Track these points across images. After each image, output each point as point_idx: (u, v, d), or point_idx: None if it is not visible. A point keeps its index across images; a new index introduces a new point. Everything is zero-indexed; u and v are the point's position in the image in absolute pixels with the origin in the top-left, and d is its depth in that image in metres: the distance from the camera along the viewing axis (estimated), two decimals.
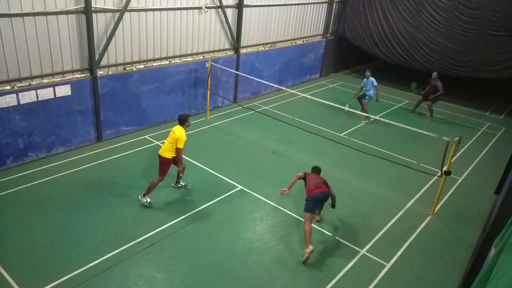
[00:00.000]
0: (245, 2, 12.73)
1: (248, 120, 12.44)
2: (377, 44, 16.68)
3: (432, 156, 10.67)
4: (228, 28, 12.66)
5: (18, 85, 8.49)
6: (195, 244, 6.91)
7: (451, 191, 9.33)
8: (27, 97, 8.55)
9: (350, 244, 7.22)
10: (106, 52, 9.76)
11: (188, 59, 11.85)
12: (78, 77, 9.40)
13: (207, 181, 8.87)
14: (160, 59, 11.11)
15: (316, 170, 7.48)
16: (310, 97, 11.32)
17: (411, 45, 15.76)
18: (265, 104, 13.92)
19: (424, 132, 8.27)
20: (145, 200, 7.68)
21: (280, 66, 15.39)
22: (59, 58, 9.01)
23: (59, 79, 9.14)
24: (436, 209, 8.39)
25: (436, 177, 9.44)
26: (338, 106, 9.83)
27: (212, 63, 11.71)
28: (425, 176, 9.31)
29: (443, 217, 8.34)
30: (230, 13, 12.62)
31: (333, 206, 7.31)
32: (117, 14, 9.64)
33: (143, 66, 10.70)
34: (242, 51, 13.48)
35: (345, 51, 18.65)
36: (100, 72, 9.75)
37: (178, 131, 7.38)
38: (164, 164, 7.54)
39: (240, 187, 8.71)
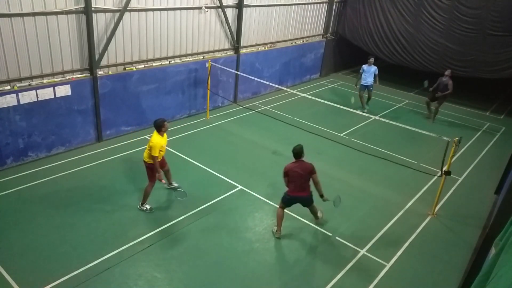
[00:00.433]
0: (245, 2, 12.72)
1: (248, 120, 12.44)
2: (377, 44, 16.68)
3: (432, 156, 10.67)
4: (228, 28, 12.66)
5: (18, 85, 8.49)
6: (195, 244, 6.91)
7: (451, 191, 9.33)
8: (27, 97, 8.55)
9: (350, 244, 7.22)
10: (106, 52, 9.76)
11: (188, 59, 11.85)
12: (78, 77, 9.40)
13: (207, 181, 8.87)
14: (160, 59, 11.11)
15: (297, 155, 6.78)
16: (310, 97, 11.32)
17: (411, 45, 15.75)
18: (265, 104, 13.92)
19: (424, 132, 8.27)
20: (145, 208, 7.65)
21: (280, 66, 15.38)
22: (59, 58, 9.01)
23: (59, 79, 9.14)
24: (436, 209, 8.39)
25: (436, 177, 9.44)
26: (338, 106, 9.83)
27: (212, 63, 11.71)
28: (425, 176, 9.31)
29: (443, 217, 8.34)
30: (230, 13, 12.62)
31: (321, 196, 7.03)
32: (117, 14, 9.64)
33: (143, 66, 10.70)
34: (242, 51, 13.48)
35: (345, 51, 18.64)
36: (100, 72, 9.75)
37: (152, 138, 7.17)
38: (149, 169, 7.43)
39: (240, 187, 8.71)
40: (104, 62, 9.84)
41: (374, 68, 13.33)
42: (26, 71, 8.58)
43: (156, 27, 10.66)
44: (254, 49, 14.07)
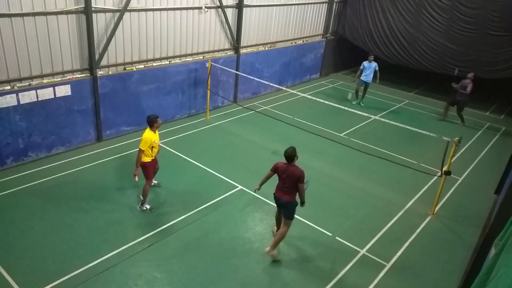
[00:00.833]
0: (245, 2, 12.73)
1: (248, 120, 12.44)
2: (377, 44, 16.68)
3: (432, 156, 10.67)
4: (228, 28, 12.66)
5: (18, 85, 8.49)
6: (195, 244, 6.91)
7: (451, 191, 9.33)
8: (27, 97, 8.55)
9: (350, 244, 7.22)
10: (106, 52, 9.76)
11: (188, 59, 11.85)
12: (78, 77, 9.40)
13: (207, 181, 8.86)
14: (160, 59, 11.11)
15: (289, 158, 6.30)
16: (310, 97, 11.32)
17: (411, 45, 15.75)
18: (265, 104, 13.92)
19: (424, 132, 8.27)
20: (145, 208, 7.66)
21: (280, 66, 15.38)
22: (59, 58, 9.01)
23: (59, 79, 9.14)
24: (436, 209, 8.39)
25: (436, 177, 9.44)
26: (338, 106, 9.83)
27: (212, 63, 11.71)
28: (425, 176, 9.31)
29: (443, 217, 8.34)
30: (230, 13, 12.62)
31: (302, 203, 6.57)
32: (117, 14, 9.64)
33: (143, 66, 10.71)
34: (242, 51, 13.48)
35: (345, 51, 18.65)
36: (100, 72, 9.75)
37: (144, 133, 7.26)
38: (144, 168, 7.47)
39: (240, 187, 8.71)
40: (104, 62, 9.84)
41: (374, 65, 13.96)
42: (26, 71, 8.58)
43: (156, 27, 10.66)
44: (254, 49, 14.07)
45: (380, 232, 7.64)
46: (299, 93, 11.46)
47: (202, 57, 12.19)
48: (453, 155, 7.67)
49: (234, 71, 12.90)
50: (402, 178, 9.69)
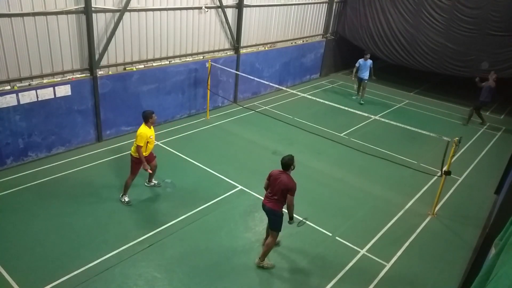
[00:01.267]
0: (245, 2, 12.72)
1: (248, 120, 12.44)
2: (377, 44, 16.68)
3: (432, 156, 10.67)
4: (228, 28, 12.66)
5: (18, 85, 8.49)
6: (195, 244, 6.91)
7: (451, 191, 9.33)
8: (27, 97, 8.55)
9: (350, 244, 7.22)
10: (106, 52, 9.75)
11: (188, 59, 11.85)
12: (78, 77, 9.40)
13: (207, 181, 8.86)
14: (160, 59, 11.11)
15: (284, 166, 6.07)
16: (310, 97, 11.32)
17: (411, 45, 15.75)
18: (265, 104, 13.92)
19: (424, 132, 8.27)
20: (123, 200, 7.79)
21: (280, 66, 15.38)
22: (59, 58, 9.01)
23: (59, 79, 9.14)
24: (436, 209, 8.39)
25: (436, 177, 9.44)
26: (338, 106, 9.83)
27: (212, 63, 11.71)
28: (425, 176, 9.31)
29: (443, 217, 8.34)
30: (230, 13, 12.62)
31: (290, 218, 6.18)
32: (117, 14, 9.64)
33: (143, 66, 10.70)
34: (242, 51, 13.48)
35: (345, 51, 18.64)
36: (100, 72, 9.75)
37: (139, 129, 7.31)
38: (133, 163, 7.54)
39: (240, 187, 8.71)
40: (104, 62, 9.83)
41: (369, 62, 14.44)
42: (26, 71, 8.58)
43: (156, 27, 10.66)
44: (254, 49, 14.06)
45: (380, 232, 7.64)
46: (299, 93, 11.46)
47: (202, 57, 12.19)
48: (453, 155, 7.67)
49: (234, 71, 12.90)
50: (402, 178, 9.69)
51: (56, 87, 8.96)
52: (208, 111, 12.45)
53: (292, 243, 7.15)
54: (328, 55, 17.93)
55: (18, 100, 8.43)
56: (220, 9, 12.17)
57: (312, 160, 10.18)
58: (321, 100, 10.20)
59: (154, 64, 10.95)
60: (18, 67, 8.41)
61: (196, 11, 11.55)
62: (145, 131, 7.28)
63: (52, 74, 8.99)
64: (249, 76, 12.01)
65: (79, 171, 8.83)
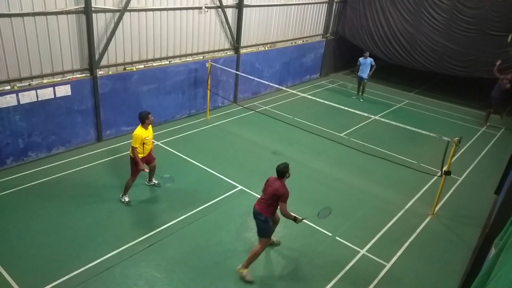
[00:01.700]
0: (245, 2, 12.72)
1: (248, 120, 12.44)
2: (377, 44, 16.67)
3: (432, 156, 10.67)
4: (228, 28, 12.66)
5: (18, 85, 8.49)
6: (195, 244, 6.91)
7: (451, 191, 9.33)
8: (27, 97, 8.55)
9: (350, 244, 7.22)
10: (106, 52, 9.75)
11: (188, 59, 11.85)
12: (78, 77, 9.40)
13: (207, 181, 8.86)
14: (160, 59, 11.11)
15: (279, 173, 5.96)
16: (310, 97, 11.32)
17: (411, 45, 15.74)
18: (265, 104, 13.92)
19: (424, 132, 8.27)
20: (123, 200, 7.80)
21: (280, 66, 15.38)
22: (59, 58, 9.01)
23: (59, 79, 9.14)
24: (436, 209, 8.39)
25: (436, 177, 9.44)
26: (338, 106, 9.83)
27: (212, 63, 11.71)
28: (425, 176, 9.31)
29: (443, 217, 8.34)
30: (230, 13, 12.61)
31: (294, 219, 6.10)
32: (117, 14, 9.64)
33: (143, 66, 10.70)
34: (242, 51, 13.48)
35: (345, 51, 18.63)
36: (100, 72, 9.75)
37: (135, 130, 7.34)
38: (132, 164, 7.56)
39: (240, 187, 8.71)
40: (104, 62, 9.83)
41: (370, 60, 14.62)
42: (26, 71, 8.58)
43: (156, 27, 10.66)
44: (254, 49, 14.06)
45: (380, 232, 7.64)
46: (299, 93, 11.47)
47: (202, 57, 12.19)
48: (453, 155, 7.67)
49: (234, 71, 12.90)
50: (402, 178, 9.69)
51: (56, 87, 8.96)
52: (208, 111, 12.45)
53: (292, 243, 7.15)
54: (328, 55, 17.93)
55: (18, 100, 8.43)
56: (220, 9, 12.17)
57: (312, 160, 10.17)
58: (321, 100, 10.20)
59: (154, 64, 10.95)
60: (18, 67, 8.41)
61: (196, 11, 11.55)
62: (140, 133, 7.30)
63: (52, 74, 8.99)
64: (249, 76, 12.01)
65: (79, 171, 8.83)
